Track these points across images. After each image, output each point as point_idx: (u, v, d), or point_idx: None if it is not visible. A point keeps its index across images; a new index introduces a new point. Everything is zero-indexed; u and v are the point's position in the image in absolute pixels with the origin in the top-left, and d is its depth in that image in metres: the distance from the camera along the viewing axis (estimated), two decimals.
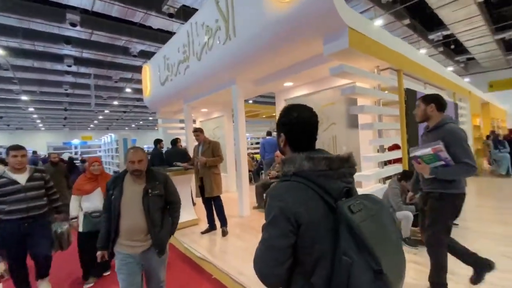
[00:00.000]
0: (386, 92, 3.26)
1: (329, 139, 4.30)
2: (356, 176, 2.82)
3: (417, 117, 2.00)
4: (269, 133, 6.83)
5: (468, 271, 2.02)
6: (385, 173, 2.95)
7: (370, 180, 2.84)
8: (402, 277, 0.80)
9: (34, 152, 13.84)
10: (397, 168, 3.14)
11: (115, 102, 16.22)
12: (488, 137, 7.90)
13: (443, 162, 1.78)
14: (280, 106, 5.08)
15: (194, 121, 8.00)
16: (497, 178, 6.34)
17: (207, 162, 3.50)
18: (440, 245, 1.87)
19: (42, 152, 17.54)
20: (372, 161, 2.93)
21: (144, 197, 1.67)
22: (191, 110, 5.36)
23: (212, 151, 3.60)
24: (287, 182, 0.83)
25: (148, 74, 6.19)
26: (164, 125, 8.54)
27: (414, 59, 3.51)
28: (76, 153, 15.53)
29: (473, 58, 13.27)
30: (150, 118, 24.43)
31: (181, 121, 7.68)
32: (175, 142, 5.26)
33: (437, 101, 1.91)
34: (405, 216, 2.62)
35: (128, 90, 13.39)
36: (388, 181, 2.98)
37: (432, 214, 1.87)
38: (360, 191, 0.96)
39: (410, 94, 3.30)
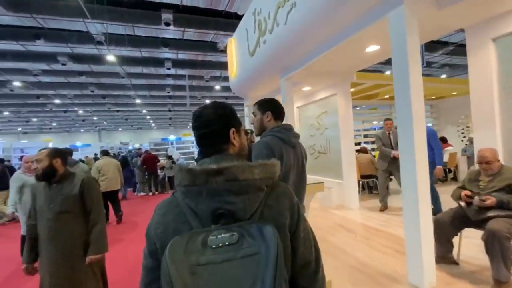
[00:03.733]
0: None
1: None
2: None
3: (254, 129, 1.65)
4: None
5: None
6: None
7: None
8: None
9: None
10: None
11: (207, 101, 17.26)
12: None
13: None
14: (476, 56, 2.68)
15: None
16: None
17: None
18: None
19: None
20: None
21: None
22: (291, 87, 3.79)
23: None
24: (168, 197, 0.72)
25: (234, 49, 4.91)
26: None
27: None
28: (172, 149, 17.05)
29: None
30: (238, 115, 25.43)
31: None
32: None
33: (274, 108, 1.59)
34: None
35: (217, 87, 13.78)
36: None
37: None
38: None
39: None
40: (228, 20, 7.68)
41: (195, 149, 15.74)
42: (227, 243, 0.54)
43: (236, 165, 0.64)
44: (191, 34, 8.23)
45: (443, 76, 12.82)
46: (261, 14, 3.37)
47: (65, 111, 18.18)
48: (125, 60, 9.59)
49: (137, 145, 18.08)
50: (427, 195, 2.22)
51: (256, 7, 3.55)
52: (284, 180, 1.42)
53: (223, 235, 0.55)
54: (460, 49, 10.42)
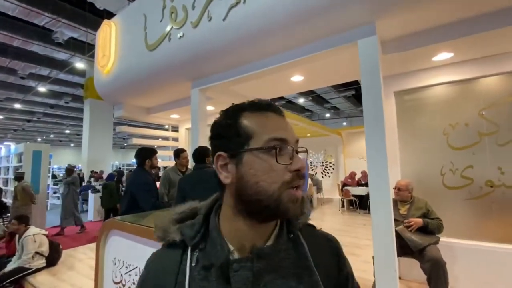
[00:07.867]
0: None
1: None
2: None
3: None
4: None
5: None
6: None
7: None
8: None
9: None
10: None
11: (17, 106, 12.28)
12: None
13: None
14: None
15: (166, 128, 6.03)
16: None
17: None
18: None
19: None
20: None
21: None
22: (205, 100, 3.35)
23: None
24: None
25: (113, 36, 3.70)
26: (147, 132, 5.89)
27: None
28: None
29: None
30: (67, 131, 19.83)
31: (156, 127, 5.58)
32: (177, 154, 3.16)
33: None
34: None
35: (41, 90, 10.24)
36: None
37: None
38: None
39: None
40: (80, 11, 6.13)
41: None
42: None
43: None
44: (10, 6, 5.77)
45: None
46: (177, 0, 2.76)
47: None
48: None
49: None
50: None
51: None
52: None
53: None
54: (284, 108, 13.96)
